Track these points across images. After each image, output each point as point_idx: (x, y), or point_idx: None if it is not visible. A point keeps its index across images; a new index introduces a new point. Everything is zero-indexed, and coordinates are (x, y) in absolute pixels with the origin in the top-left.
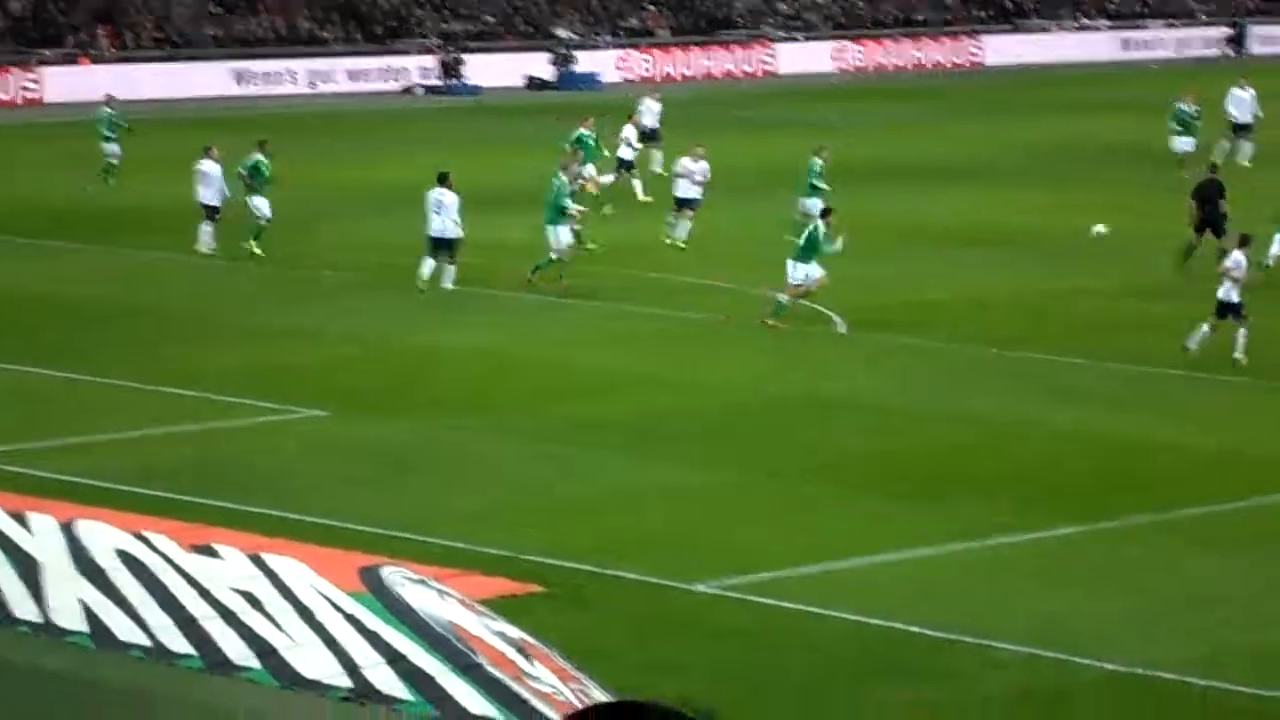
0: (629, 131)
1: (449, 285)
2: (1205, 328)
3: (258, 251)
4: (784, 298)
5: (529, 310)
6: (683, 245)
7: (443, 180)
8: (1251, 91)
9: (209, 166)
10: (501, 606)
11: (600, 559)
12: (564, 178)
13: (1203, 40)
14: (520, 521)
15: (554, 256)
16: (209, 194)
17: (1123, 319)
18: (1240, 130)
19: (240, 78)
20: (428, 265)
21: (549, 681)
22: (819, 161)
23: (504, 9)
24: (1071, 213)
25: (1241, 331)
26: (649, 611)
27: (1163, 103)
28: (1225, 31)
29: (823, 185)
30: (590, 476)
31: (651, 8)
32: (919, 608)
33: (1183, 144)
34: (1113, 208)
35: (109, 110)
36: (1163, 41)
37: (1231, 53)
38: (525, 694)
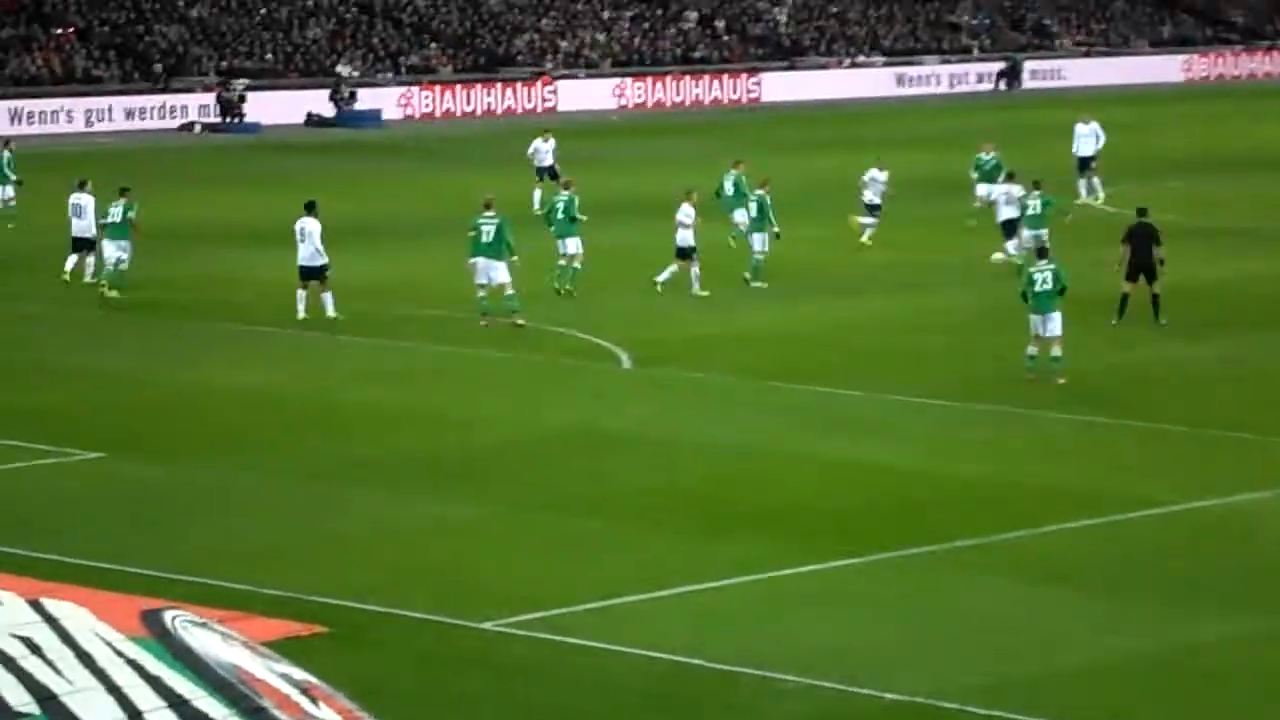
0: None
1: (331, 313)
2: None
3: (112, 294)
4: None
5: (301, 347)
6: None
7: (309, 209)
8: (1094, 124)
9: (83, 199)
10: (285, 648)
11: (383, 598)
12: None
13: (976, 75)
14: (301, 561)
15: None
16: (82, 226)
17: (898, 351)
18: (1085, 165)
19: (15, 117)
20: (301, 296)
21: None
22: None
23: (284, 48)
24: (845, 246)
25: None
26: (435, 650)
27: (936, 137)
28: (999, 66)
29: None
30: (368, 515)
31: (434, 46)
32: (702, 641)
33: (983, 190)
34: (886, 243)
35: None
36: (937, 77)
37: (1004, 87)
38: None
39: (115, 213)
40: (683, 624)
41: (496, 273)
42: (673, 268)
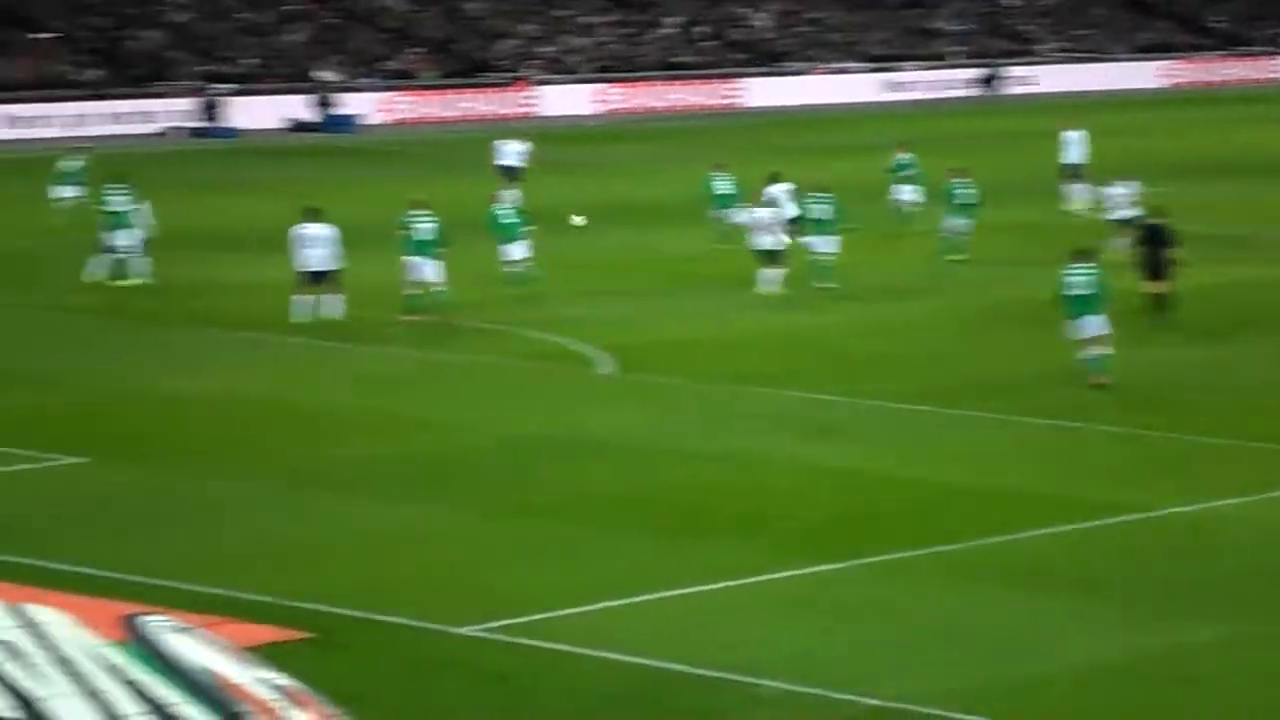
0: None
1: (336, 315)
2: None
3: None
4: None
5: (283, 352)
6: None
7: (314, 215)
8: (1083, 131)
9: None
10: (266, 653)
11: (363, 603)
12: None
13: (958, 81)
14: (281, 567)
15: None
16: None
17: (877, 356)
18: (1074, 172)
19: None
20: (306, 301)
21: None
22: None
23: (265, 52)
24: None
25: None
26: (415, 655)
27: (917, 142)
28: (980, 73)
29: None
30: (349, 520)
31: (415, 51)
32: (680, 646)
33: (903, 192)
34: (865, 248)
35: None
36: (920, 83)
37: (985, 93)
38: None
39: (120, 203)
40: (661, 629)
41: (430, 271)
42: (770, 271)
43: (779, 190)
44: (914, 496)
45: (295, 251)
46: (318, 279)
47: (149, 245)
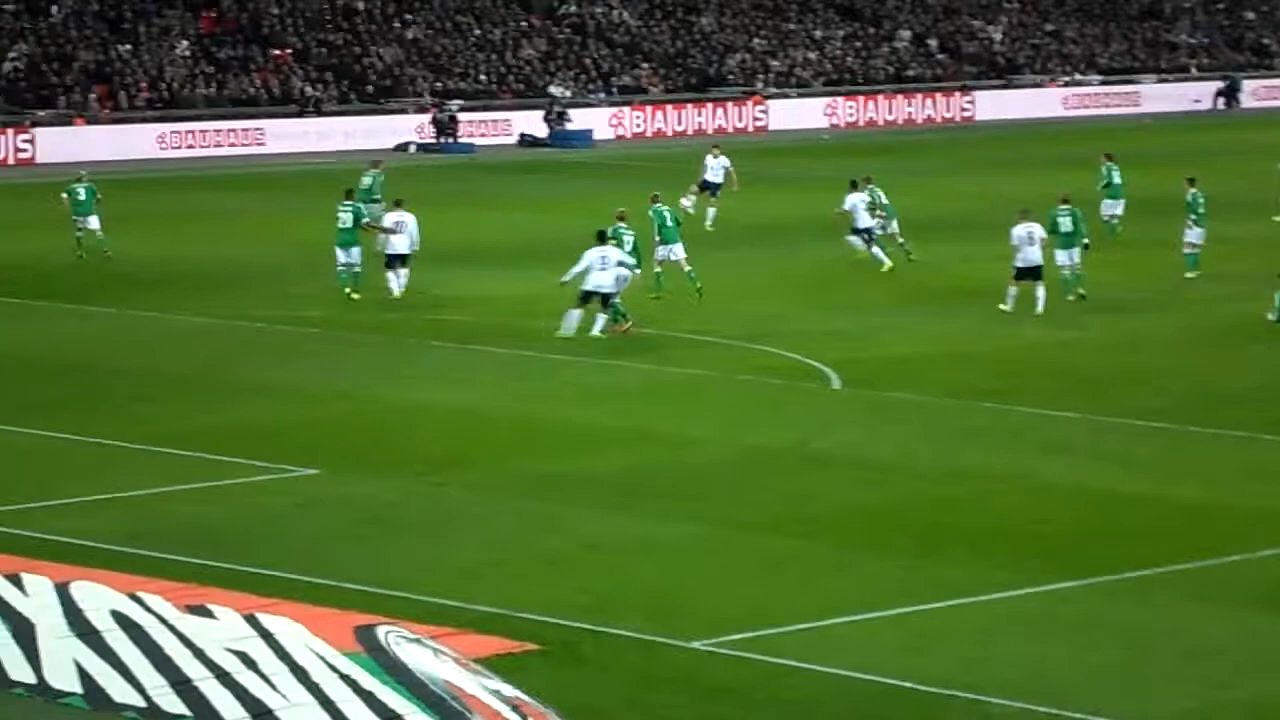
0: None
1: (398, 294)
2: None
3: (356, 296)
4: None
5: (514, 365)
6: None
7: (401, 204)
8: None
9: (403, 216)
10: (497, 665)
11: (593, 616)
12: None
13: (1195, 94)
14: (512, 578)
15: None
16: (400, 243)
17: (1112, 372)
18: None
19: (233, 137)
20: (393, 277)
21: None
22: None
23: (498, 68)
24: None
25: None
26: (644, 669)
27: (1156, 156)
28: (1218, 85)
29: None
30: (578, 532)
31: (645, 66)
32: (911, 663)
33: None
34: (1101, 263)
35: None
36: (1155, 96)
37: (1224, 106)
38: None
39: (345, 218)
40: (891, 646)
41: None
42: (1014, 290)
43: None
44: (1151, 514)
45: (582, 269)
46: (402, 261)
47: (410, 259)
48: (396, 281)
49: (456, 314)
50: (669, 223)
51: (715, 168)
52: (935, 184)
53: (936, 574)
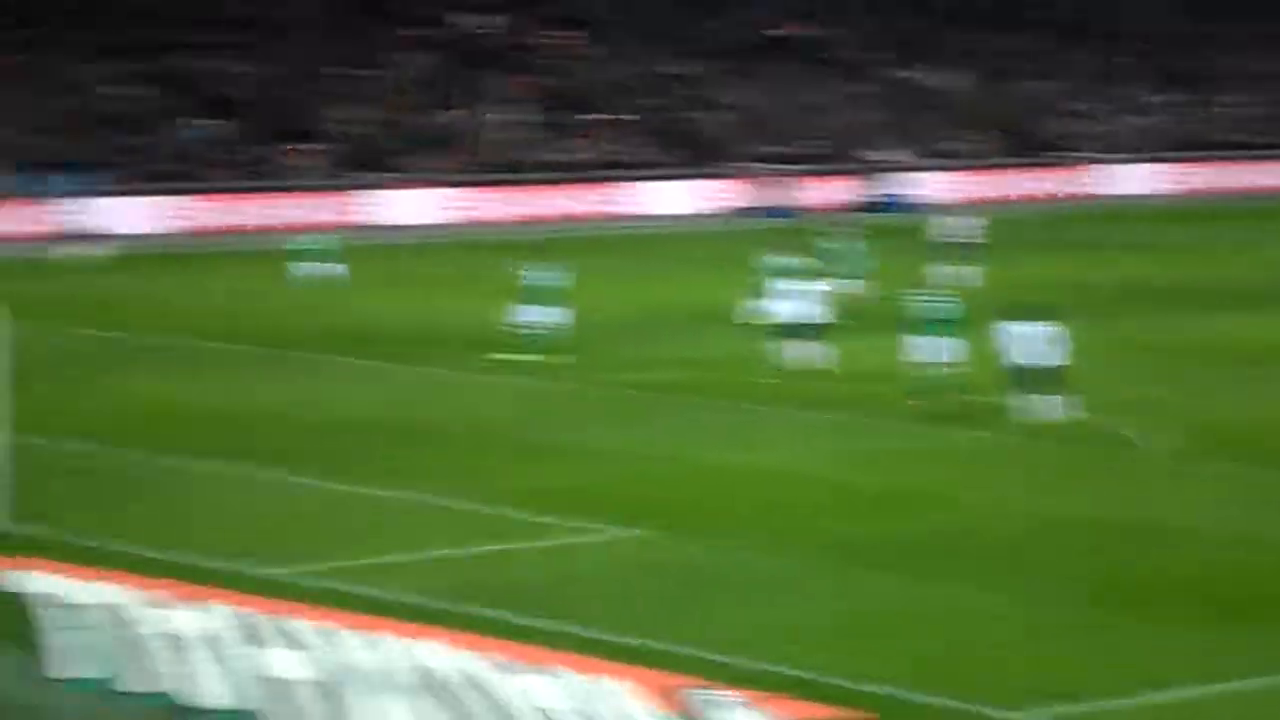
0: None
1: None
2: None
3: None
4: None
5: (812, 428)
6: None
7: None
8: None
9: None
10: None
11: (910, 683)
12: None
13: None
14: (829, 643)
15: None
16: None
17: None
18: None
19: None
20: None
21: None
22: None
23: (826, 133)
24: None
25: None
26: None
27: None
28: None
29: None
30: (889, 598)
31: (975, 131)
32: None
33: None
34: None
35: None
36: None
37: None
38: None
39: (535, 279)
40: None
41: (947, 352)
42: None
43: None
44: None
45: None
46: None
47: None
48: (794, 352)
49: (770, 374)
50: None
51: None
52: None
53: (1263, 648)
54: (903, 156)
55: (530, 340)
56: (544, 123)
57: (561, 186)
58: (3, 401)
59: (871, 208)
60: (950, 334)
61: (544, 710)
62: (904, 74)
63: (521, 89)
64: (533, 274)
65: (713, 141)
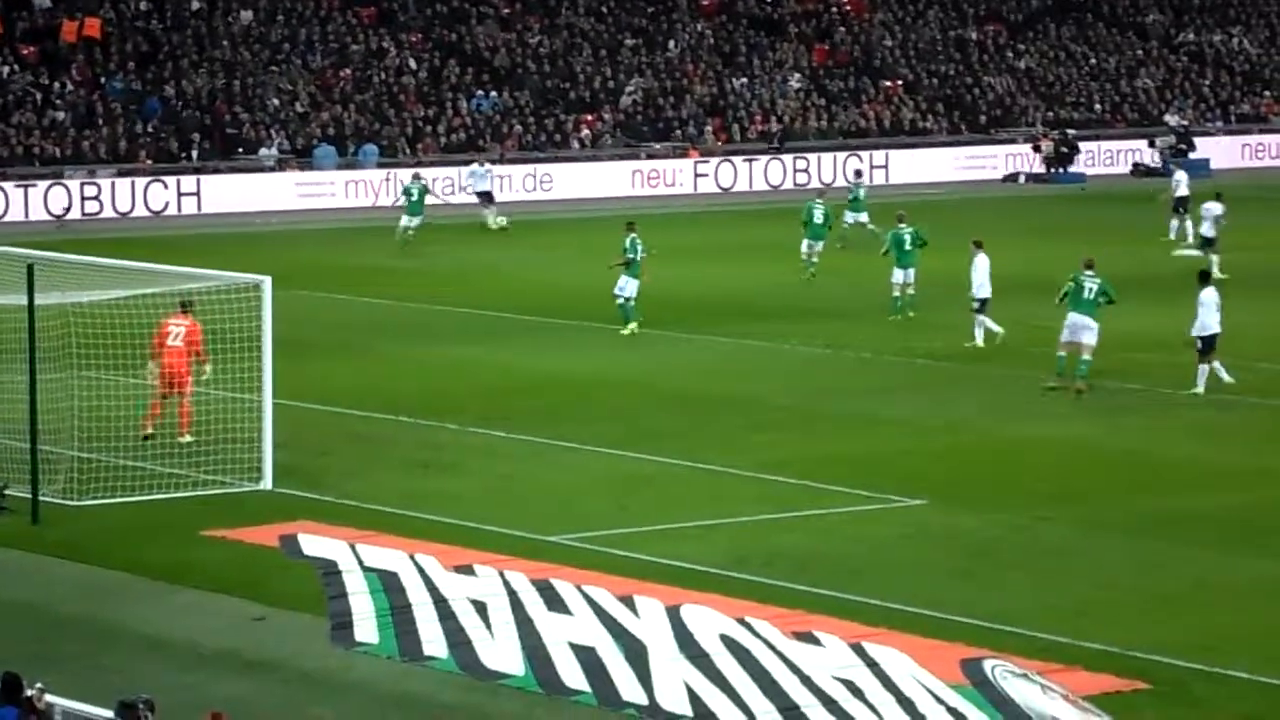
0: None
1: (980, 344)
2: None
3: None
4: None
5: (1115, 401)
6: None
7: (980, 246)
8: None
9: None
10: (1106, 703)
11: (1205, 655)
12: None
13: None
14: (1122, 615)
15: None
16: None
17: None
18: None
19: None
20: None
21: None
22: None
23: (1112, 97)
24: None
25: None
26: (1259, 712)
27: None
28: None
29: None
30: (1186, 571)
31: (1266, 94)
32: None
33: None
34: None
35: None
36: None
37: None
38: None
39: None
40: None
41: (1088, 335)
42: None
43: None
44: None
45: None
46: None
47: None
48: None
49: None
50: (908, 245)
51: (1209, 216)
52: None
53: None
54: (1189, 120)
55: (903, 304)
56: (825, 89)
57: (832, 154)
58: (265, 367)
59: (1155, 171)
60: None
61: (827, 678)
62: (1192, 36)
63: (802, 56)
64: (899, 232)
65: (994, 105)
